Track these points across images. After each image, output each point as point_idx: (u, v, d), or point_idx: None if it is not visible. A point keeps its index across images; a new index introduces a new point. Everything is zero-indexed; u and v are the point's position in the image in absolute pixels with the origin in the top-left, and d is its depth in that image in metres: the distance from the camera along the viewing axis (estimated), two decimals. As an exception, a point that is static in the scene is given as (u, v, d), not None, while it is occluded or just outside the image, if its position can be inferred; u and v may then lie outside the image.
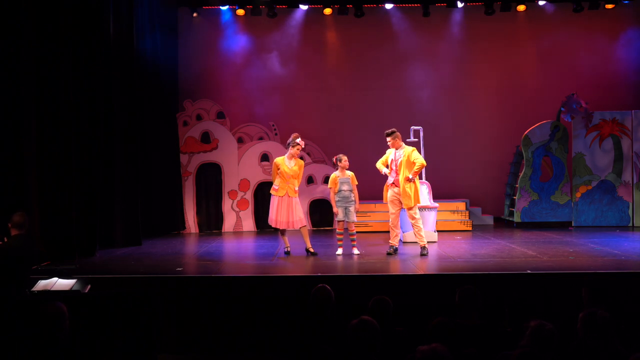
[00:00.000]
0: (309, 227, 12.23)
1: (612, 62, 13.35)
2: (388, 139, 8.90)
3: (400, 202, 8.85)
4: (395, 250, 8.89)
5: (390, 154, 8.99)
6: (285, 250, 8.99)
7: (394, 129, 8.94)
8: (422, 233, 8.81)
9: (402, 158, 8.78)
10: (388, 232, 9.19)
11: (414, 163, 8.68)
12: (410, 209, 8.74)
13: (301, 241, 9.11)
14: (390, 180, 8.89)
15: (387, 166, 9.07)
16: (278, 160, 9.03)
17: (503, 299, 5.06)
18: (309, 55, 13.37)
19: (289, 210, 8.89)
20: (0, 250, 6.28)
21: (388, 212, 9.07)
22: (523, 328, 4.09)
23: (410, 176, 8.65)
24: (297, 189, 9.01)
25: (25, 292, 6.24)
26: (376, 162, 9.18)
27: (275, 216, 8.89)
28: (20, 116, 7.87)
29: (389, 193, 8.93)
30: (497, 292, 6.50)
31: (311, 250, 8.93)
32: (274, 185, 8.98)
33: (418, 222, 8.79)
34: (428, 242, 9.16)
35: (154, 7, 11.63)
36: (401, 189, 8.72)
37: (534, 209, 12.21)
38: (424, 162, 8.76)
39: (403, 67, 13.41)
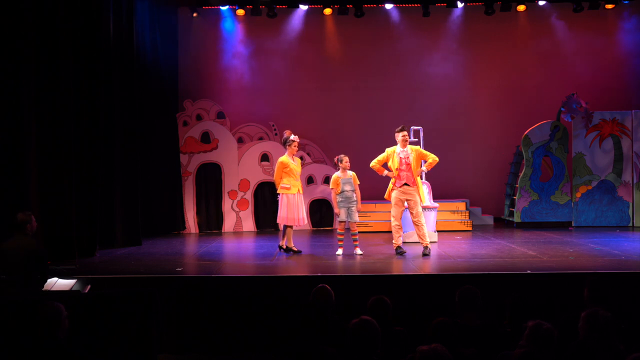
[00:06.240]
0: (309, 227, 12.27)
1: (612, 62, 13.34)
2: (404, 133, 8.85)
3: (404, 203, 8.81)
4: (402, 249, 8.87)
5: (394, 153, 8.90)
6: (294, 249, 8.98)
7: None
8: (426, 232, 8.82)
9: (411, 155, 8.77)
10: (389, 232, 9.18)
11: (425, 157, 8.77)
12: (418, 206, 8.74)
13: (299, 241, 9.11)
14: (402, 180, 8.79)
15: (383, 165, 9.01)
16: (284, 159, 9.00)
17: (504, 299, 5.05)
18: (309, 55, 13.37)
19: (300, 207, 8.95)
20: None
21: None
22: (522, 328, 4.09)
23: (425, 169, 8.72)
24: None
25: (24, 292, 6.23)
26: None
27: (292, 214, 8.87)
28: (20, 117, 7.87)
29: (396, 193, 8.82)
30: (497, 292, 6.50)
31: (294, 249, 8.99)
32: (283, 185, 8.94)
33: (422, 219, 8.80)
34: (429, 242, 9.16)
35: (154, 7, 11.63)
36: (419, 186, 8.74)
37: (534, 209, 12.21)
38: (437, 158, 8.82)
39: (403, 67, 13.41)
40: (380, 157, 9.01)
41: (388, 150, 9.00)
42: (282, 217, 8.93)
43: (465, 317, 4.77)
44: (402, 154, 8.83)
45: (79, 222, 8.73)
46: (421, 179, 10.06)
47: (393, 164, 8.88)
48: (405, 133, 8.86)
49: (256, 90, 13.24)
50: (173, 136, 12.08)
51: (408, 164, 8.77)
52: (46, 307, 4.37)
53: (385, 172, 8.97)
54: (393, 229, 8.94)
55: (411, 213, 8.84)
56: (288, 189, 8.92)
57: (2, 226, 7.15)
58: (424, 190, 10.05)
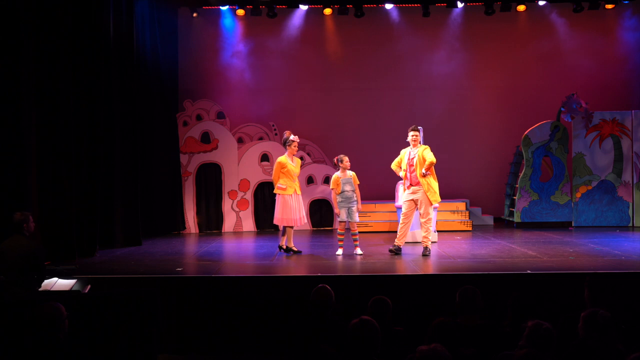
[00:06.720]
0: (309, 227, 12.27)
1: (612, 62, 13.34)
2: (412, 133, 8.81)
3: (415, 203, 8.80)
4: (399, 249, 8.85)
5: (405, 153, 8.94)
6: (294, 249, 8.96)
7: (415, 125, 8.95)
8: (430, 235, 8.81)
9: (416, 157, 8.76)
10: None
11: (425, 160, 8.69)
12: (430, 206, 8.72)
13: (299, 241, 9.10)
14: (408, 181, 8.82)
15: (399, 167, 9.01)
16: (282, 159, 8.99)
17: (504, 299, 5.05)
18: (309, 55, 13.36)
19: (299, 207, 8.93)
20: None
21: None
22: (522, 328, 4.09)
23: (424, 171, 8.62)
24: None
25: (25, 292, 6.24)
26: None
27: (287, 215, 8.86)
28: (20, 117, 7.87)
29: (404, 193, 8.89)
30: (497, 292, 6.50)
31: (294, 249, 8.96)
32: (279, 185, 8.94)
33: (429, 222, 8.78)
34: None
35: (154, 7, 11.63)
36: (425, 187, 8.67)
37: (534, 209, 12.21)
38: (434, 160, 8.69)
39: (403, 67, 13.41)
40: (397, 158, 9.06)
41: (402, 151, 9.02)
42: (278, 217, 8.94)
43: (465, 317, 4.77)
44: (411, 154, 8.85)
45: (79, 222, 8.73)
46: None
47: (402, 164, 8.92)
48: (414, 133, 8.83)
49: (256, 90, 13.24)
50: (173, 136, 12.08)
51: (411, 165, 8.77)
52: (46, 308, 4.37)
53: (401, 174, 8.99)
54: (398, 227, 8.96)
55: (419, 213, 8.85)
56: (284, 189, 8.91)
57: (2, 226, 7.14)
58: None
